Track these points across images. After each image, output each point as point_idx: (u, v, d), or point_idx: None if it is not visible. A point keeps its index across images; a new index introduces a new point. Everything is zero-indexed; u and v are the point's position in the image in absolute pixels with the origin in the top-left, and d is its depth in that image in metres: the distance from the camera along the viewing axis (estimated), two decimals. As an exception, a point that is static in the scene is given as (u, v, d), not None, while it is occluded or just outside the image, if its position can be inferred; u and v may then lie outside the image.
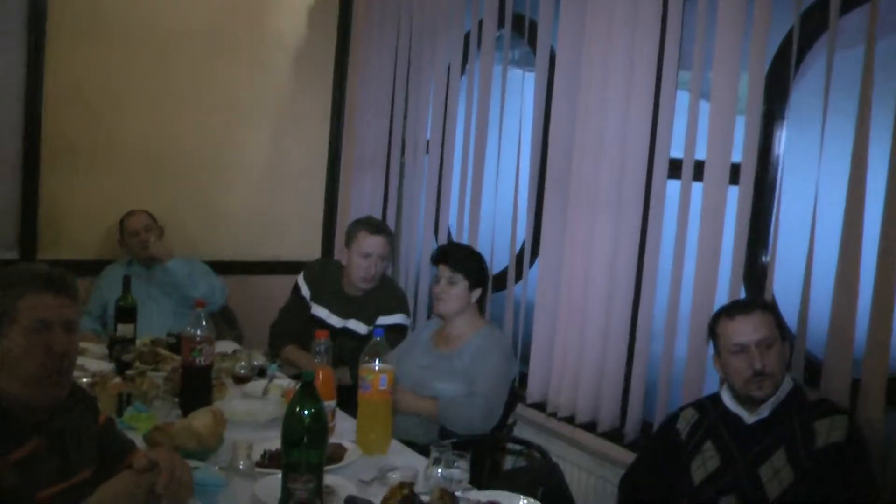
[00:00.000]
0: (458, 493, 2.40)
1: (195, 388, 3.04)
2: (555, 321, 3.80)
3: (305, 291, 4.13)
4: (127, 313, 3.64)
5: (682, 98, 3.34)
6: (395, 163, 4.96)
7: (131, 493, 2.00)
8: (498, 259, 4.25)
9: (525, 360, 3.98)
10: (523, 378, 3.97)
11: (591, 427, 3.65)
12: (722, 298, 3.09)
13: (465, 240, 4.34)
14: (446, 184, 4.57)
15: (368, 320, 3.97)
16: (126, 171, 4.69)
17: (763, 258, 3.19)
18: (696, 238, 3.22)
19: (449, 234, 4.62)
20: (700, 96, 3.23)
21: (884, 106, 2.73)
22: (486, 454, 3.41)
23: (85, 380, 3.22)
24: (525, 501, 2.49)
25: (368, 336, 3.47)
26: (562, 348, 3.75)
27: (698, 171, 3.23)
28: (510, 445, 3.67)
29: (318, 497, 2.18)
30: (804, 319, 2.92)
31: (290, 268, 4.71)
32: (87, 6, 4.52)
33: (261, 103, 5.04)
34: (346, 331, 4.01)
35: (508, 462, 3.73)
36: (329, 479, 2.41)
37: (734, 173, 3.12)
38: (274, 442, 2.55)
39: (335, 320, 4.03)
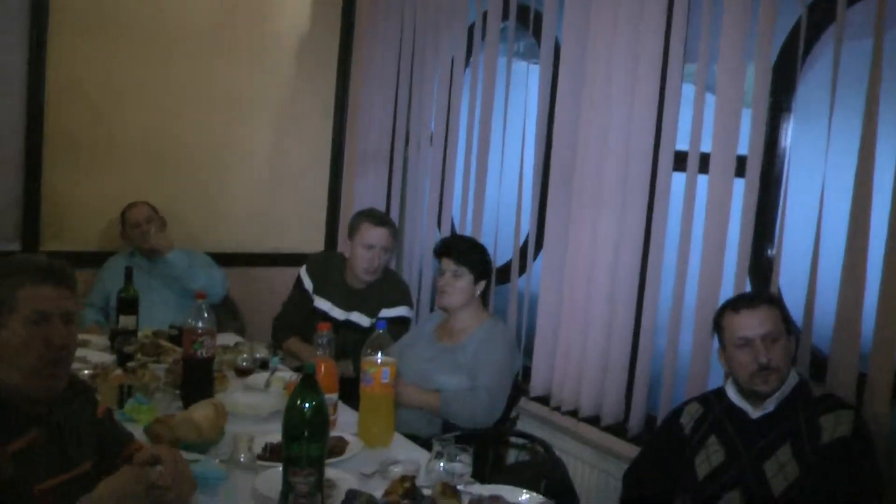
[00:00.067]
0: (460, 487, 2.38)
1: (196, 381, 3.02)
2: (559, 314, 3.78)
3: (308, 284, 4.12)
4: (129, 305, 3.63)
5: (688, 91, 3.32)
6: (399, 156, 4.94)
7: (132, 488, 1.99)
8: (501, 252, 4.23)
9: (528, 353, 3.97)
10: (527, 371, 3.96)
11: (594, 421, 3.64)
12: (727, 292, 3.08)
13: (468, 232, 4.33)
14: (450, 177, 4.55)
15: (371, 313, 3.96)
16: (128, 165, 4.68)
17: (769, 251, 3.17)
18: (702, 231, 3.20)
19: (452, 227, 4.61)
20: (706, 89, 3.21)
21: (892, 98, 2.71)
22: (488, 448, 3.41)
23: (86, 371, 3.22)
24: (528, 496, 2.47)
25: (371, 329, 3.46)
26: (565, 341, 3.74)
27: (704, 163, 3.21)
28: (513, 439, 3.67)
29: (319, 490, 2.16)
30: (810, 313, 2.90)
31: (293, 260, 4.70)
32: (90, 2, 4.50)
33: (264, 97, 5.02)
34: (349, 323, 4.00)
35: (511, 456, 3.73)
36: (330, 473, 2.39)
37: (740, 166, 3.11)
38: (275, 435, 2.52)
39: (338, 313, 4.02)
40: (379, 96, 5.00)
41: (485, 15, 4.31)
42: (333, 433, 2.73)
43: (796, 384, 2.65)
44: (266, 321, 4.25)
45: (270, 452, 2.61)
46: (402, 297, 4.06)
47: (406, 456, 2.71)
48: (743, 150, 3.09)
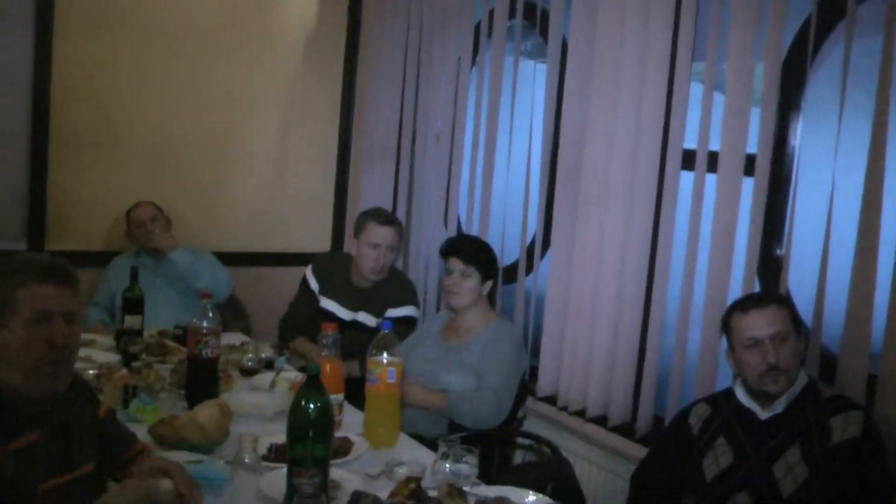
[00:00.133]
0: (466, 489, 2.37)
1: (201, 381, 3.01)
2: (566, 314, 3.77)
3: (314, 285, 4.10)
4: (134, 304, 3.62)
5: (696, 90, 3.30)
6: (406, 154, 4.93)
7: (136, 500, 1.98)
8: (509, 251, 4.22)
9: (535, 353, 3.95)
10: (534, 371, 3.94)
11: (602, 421, 3.62)
12: (735, 292, 3.06)
13: (475, 232, 4.31)
14: (457, 176, 4.54)
15: (378, 313, 3.95)
16: (134, 164, 4.67)
17: (778, 251, 3.15)
18: (710, 230, 3.18)
19: (459, 226, 4.59)
20: (714, 88, 3.19)
21: (903, 96, 2.69)
22: (495, 449, 3.39)
23: (91, 371, 3.21)
24: (534, 497, 2.45)
25: (378, 328, 3.44)
26: (573, 341, 3.72)
27: (712, 162, 3.19)
28: (520, 440, 3.64)
29: (324, 491, 2.15)
30: (819, 313, 2.88)
31: (300, 259, 4.69)
32: (95, 1, 4.49)
33: (270, 94, 5.01)
34: (355, 323, 3.99)
35: (518, 457, 3.71)
36: (335, 474, 2.39)
37: (749, 165, 3.09)
38: (281, 435, 2.49)
39: (344, 313, 4.01)
40: (385, 94, 4.99)
41: (491, 13, 4.29)
42: (339, 433, 2.72)
43: (805, 385, 2.63)
44: (272, 321, 4.24)
45: (275, 453, 2.59)
46: (409, 296, 4.04)
47: (412, 457, 2.69)
48: (752, 148, 3.07)
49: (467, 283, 3.50)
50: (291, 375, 3.37)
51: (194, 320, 2.99)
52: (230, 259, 4.62)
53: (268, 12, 4.95)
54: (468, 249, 3.55)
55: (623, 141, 3.50)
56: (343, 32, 5.18)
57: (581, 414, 3.69)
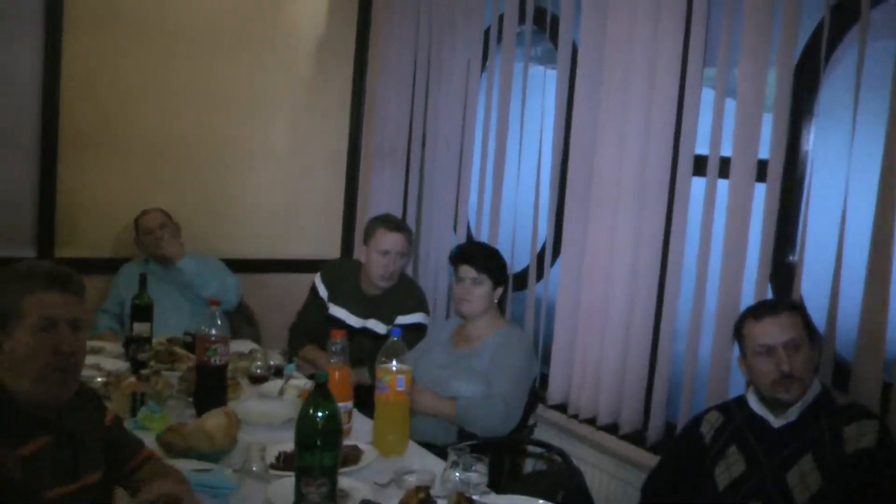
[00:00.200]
0: (475, 497, 2.35)
1: (209, 388, 2.99)
2: (577, 321, 3.75)
3: (323, 292, 4.09)
4: (143, 312, 3.61)
5: (707, 95, 3.28)
6: (416, 159, 4.91)
7: None
8: (519, 257, 4.20)
9: (546, 360, 3.93)
10: (544, 379, 3.93)
11: (613, 429, 3.59)
12: (748, 298, 3.03)
13: (485, 238, 4.30)
14: (467, 181, 4.53)
15: (388, 320, 3.93)
16: (143, 166, 4.67)
17: (791, 257, 3.12)
18: (722, 236, 3.15)
19: (469, 233, 4.58)
20: (726, 93, 3.16)
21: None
22: (505, 457, 3.37)
23: (99, 379, 3.21)
24: (544, 506, 2.43)
25: (388, 335, 3.43)
26: (583, 348, 3.70)
27: (724, 167, 3.17)
28: (530, 448, 3.62)
29: (332, 501, 2.13)
30: (833, 320, 2.85)
31: (309, 266, 4.68)
32: (104, 2, 4.49)
33: (279, 97, 5.00)
34: (365, 331, 3.97)
35: (528, 465, 3.68)
36: (344, 482, 2.37)
37: (761, 170, 3.06)
38: (289, 443, 2.49)
39: (354, 320, 3.99)
40: (395, 98, 4.97)
41: (501, 17, 4.28)
42: (348, 442, 2.71)
43: (819, 393, 2.60)
44: (281, 328, 4.23)
45: (284, 461, 2.58)
46: (418, 303, 4.02)
47: (421, 465, 2.67)
48: (764, 153, 3.05)
49: (479, 291, 3.48)
50: (300, 383, 3.36)
51: (202, 328, 2.98)
52: (239, 266, 4.61)
53: (277, 14, 4.95)
54: (479, 256, 3.53)
55: (634, 146, 3.48)
56: (352, 35, 5.17)
57: (592, 422, 3.67)
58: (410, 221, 4.83)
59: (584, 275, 3.71)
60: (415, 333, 3.82)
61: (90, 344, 3.59)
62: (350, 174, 5.26)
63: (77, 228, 4.53)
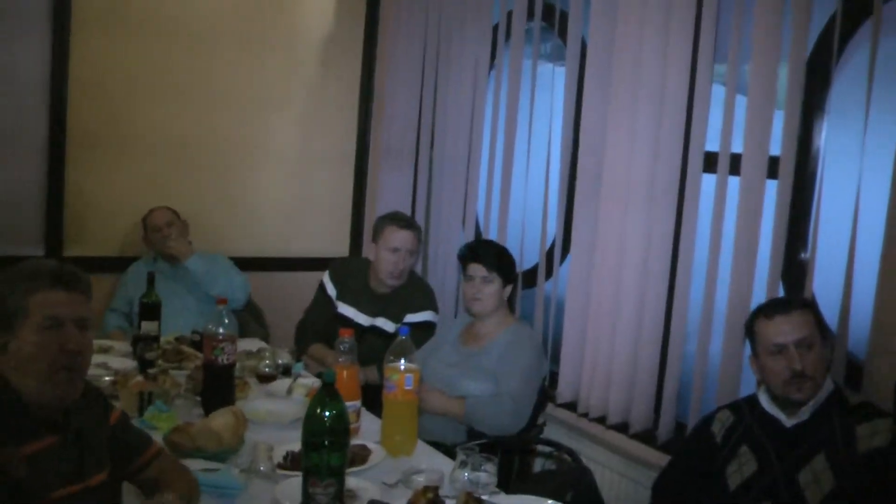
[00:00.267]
0: (484, 497, 2.34)
1: (217, 387, 2.98)
2: (586, 319, 3.73)
3: (331, 290, 4.08)
4: (151, 310, 3.60)
5: (718, 92, 3.25)
6: (424, 157, 4.90)
7: None
8: (528, 255, 4.18)
9: (555, 358, 3.92)
10: (554, 377, 3.91)
11: (623, 428, 3.58)
12: (759, 296, 3.01)
13: (494, 236, 4.28)
14: (475, 179, 4.51)
15: (396, 318, 3.92)
16: (151, 165, 4.66)
17: (802, 255, 3.09)
18: (733, 234, 3.13)
19: (477, 231, 4.56)
20: (737, 90, 3.14)
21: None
22: (514, 456, 3.35)
23: (107, 378, 3.20)
24: (553, 506, 2.42)
25: (397, 334, 3.42)
26: (593, 347, 3.68)
27: (735, 164, 3.15)
28: (539, 448, 3.60)
29: (339, 501, 2.11)
30: (845, 318, 2.83)
31: (317, 264, 4.66)
32: (112, 1, 4.49)
33: (287, 96, 4.99)
34: (374, 329, 3.96)
35: (538, 465, 3.67)
36: (352, 483, 2.35)
37: (772, 167, 3.04)
38: (297, 443, 2.47)
39: (363, 319, 3.98)
40: (403, 96, 4.96)
41: (509, 14, 4.26)
42: (356, 441, 2.70)
43: (831, 392, 2.57)
44: (290, 327, 4.22)
45: (291, 461, 2.57)
46: (428, 301, 4.01)
47: (429, 465, 2.65)
48: (775, 150, 3.02)
49: (489, 289, 3.48)
50: (308, 382, 3.34)
51: (210, 326, 2.97)
52: (247, 264, 4.60)
53: (285, 13, 4.94)
54: (489, 255, 3.52)
55: (644, 143, 3.46)
56: (360, 33, 5.16)
57: (602, 421, 3.65)
58: (419, 219, 4.82)
59: (593, 272, 3.69)
60: (424, 332, 3.81)
61: (98, 343, 3.60)
62: (358, 172, 5.24)
63: (85, 227, 4.53)
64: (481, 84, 4.47)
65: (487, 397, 3.31)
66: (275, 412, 3.05)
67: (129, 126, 4.59)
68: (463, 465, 2.45)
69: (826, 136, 3.04)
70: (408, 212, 4.86)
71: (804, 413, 2.55)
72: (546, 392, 3.66)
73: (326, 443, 2.10)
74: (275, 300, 4.76)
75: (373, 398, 3.06)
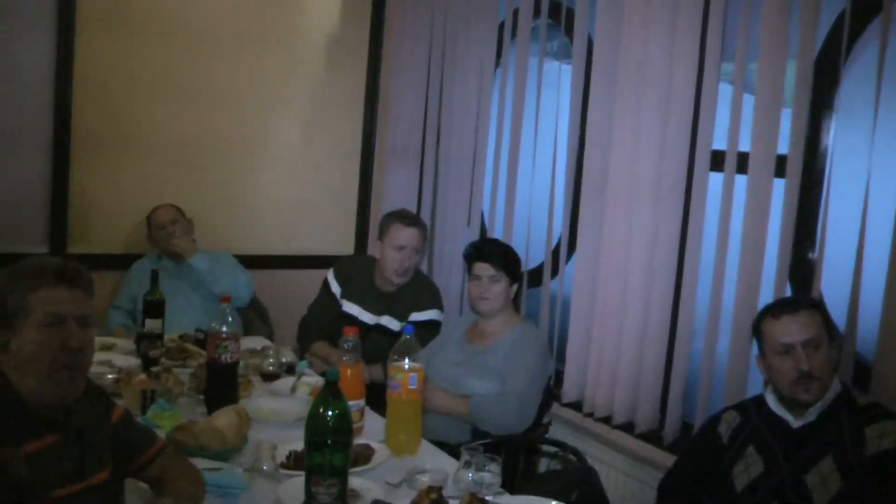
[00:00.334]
0: (489, 498, 2.32)
1: (220, 386, 2.97)
2: (592, 318, 3.71)
3: (336, 289, 4.07)
4: (154, 308, 3.59)
5: (725, 91, 3.23)
6: (430, 155, 4.88)
7: None
8: (533, 254, 4.16)
9: (561, 357, 3.90)
10: (559, 376, 3.89)
11: (628, 428, 3.56)
12: (766, 296, 2.99)
13: (499, 234, 4.26)
14: (481, 177, 4.49)
15: (402, 316, 3.91)
16: (156, 163, 4.66)
17: (810, 254, 3.07)
18: (740, 233, 3.11)
19: (483, 229, 4.54)
20: (744, 89, 3.12)
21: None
22: (519, 456, 3.33)
23: (110, 376, 3.19)
24: (557, 507, 2.40)
25: (402, 333, 3.41)
26: (599, 346, 3.66)
27: (742, 163, 3.13)
28: (544, 447, 3.59)
29: (342, 502, 2.10)
30: (853, 318, 2.81)
31: (323, 262, 4.65)
32: (116, 0, 4.48)
33: (292, 94, 4.98)
34: (379, 327, 3.95)
35: (543, 465, 3.65)
36: (355, 482, 2.34)
37: (780, 165, 3.02)
38: (301, 442, 2.45)
39: (368, 317, 3.97)
40: (409, 94, 4.95)
41: (515, 12, 4.24)
42: (360, 440, 2.68)
43: (839, 392, 2.55)
44: (294, 325, 4.20)
45: (294, 460, 2.55)
46: (433, 299, 4.00)
47: (433, 464, 2.63)
48: (783, 149, 3.00)
49: (496, 288, 3.47)
50: (312, 380, 3.33)
51: (213, 324, 2.96)
52: (252, 262, 4.60)
53: (290, 13, 4.93)
54: (496, 254, 3.51)
55: (650, 141, 3.44)
56: (366, 32, 5.15)
57: (607, 420, 3.63)
58: (425, 218, 4.79)
59: (599, 271, 3.67)
60: (429, 330, 3.80)
61: (102, 340, 3.60)
62: (364, 171, 5.23)
63: (89, 225, 4.53)
64: (487, 82, 4.45)
65: (492, 396, 3.30)
66: (278, 411, 3.04)
67: (134, 126, 4.58)
68: (467, 464, 2.43)
69: (834, 135, 3.02)
70: (413, 211, 4.85)
71: (811, 414, 2.53)
72: (551, 391, 3.64)
73: (329, 442, 2.08)
74: (280, 298, 4.76)
75: (377, 397, 3.04)
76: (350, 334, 2.84)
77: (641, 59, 3.47)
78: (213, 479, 2.31)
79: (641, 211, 3.47)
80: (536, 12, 4.13)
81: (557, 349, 3.92)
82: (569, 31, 4.00)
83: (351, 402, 2.32)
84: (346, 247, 5.20)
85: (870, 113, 2.75)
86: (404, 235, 3.88)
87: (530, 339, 3.46)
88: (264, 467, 2.48)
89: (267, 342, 3.98)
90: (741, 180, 3.13)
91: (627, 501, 3.54)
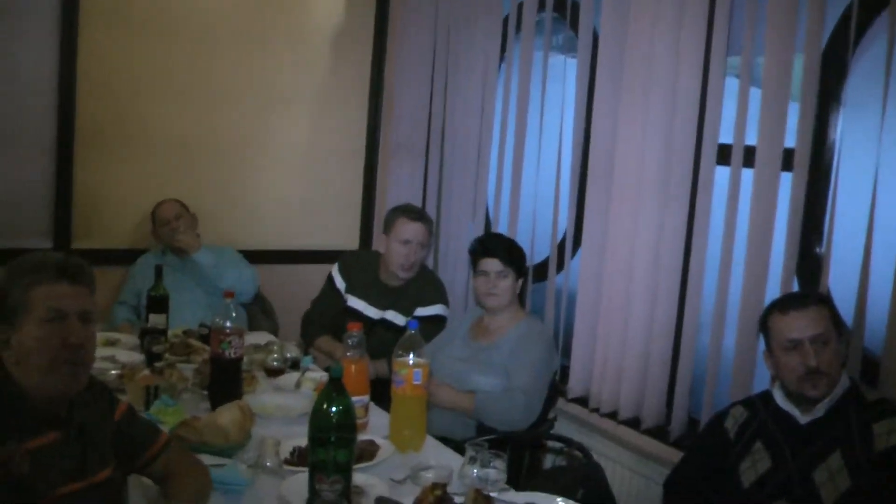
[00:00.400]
0: (494, 495, 2.30)
1: (224, 381, 2.95)
2: (597, 313, 3.70)
3: (340, 283, 4.05)
4: (158, 303, 3.59)
5: (731, 84, 3.21)
6: (435, 149, 4.87)
7: None
8: (539, 249, 4.15)
9: (567, 352, 3.89)
10: (564, 371, 3.89)
11: (634, 423, 3.55)
12: (773, 291, 2.98)
13: (504, 229, 4.25)
14: (486, 172, 4.48)
15: (407, 311, 3.90)
16: (160, 159, 4.65)
17: (818, 249, 3.05)
18: (747, 227, 3.09)
19: (487, 223, 4.52)
20: (751, 83, 3.10)
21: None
22: (524, 452, 3.32)
23: (114, 371, 3.17)
24: (564, 503, 2.37)
25: (407, 328, 3.40)
26: (605, 341, 3.65)
27: (749, 157, 3.11)
28: (550, 443, 3.57)
29: (346, 498, 2.09)
30: (861, 313, 2.79)
31: (327, 257, 4.63)
32: (120, -3, 4.49)
33: (297, 90, 4.97)
34: (384, 322, 3.94)
35: (548, 461, 3.64)
36: (359, 479, 2.32)
37: (787, 159, 3.00)
38: (305, 438, 2.44)
39: (373, 312, 3.95)
40: (414, 89, 4.93)
41: (520, 6, 4.22)
42: (364, 436, 2.66)
43: (847, 388, 2.53)
44: (298, 321, 4.19)
45: (298, 457, 2.53)
46: (438, 295, 3.99)
47: (438, 461, 2.62)
48: (790, 142, 2.98)
49: (504, 284, 3.46)
50: (317, 376, 3.31)
51: (217, 319, 2.94)
52: (256, 257, 4.58)
53: (294, 9, 4.91)
54: (503, 249, 3.50)
55: (656, 135, 3.42)
56: (370, 28, 5.13)
57: (613, 416, 3.62)
58: (430, 213, 4.78)
59: (605, 266, 3.66)
60: (434, 325, 3.79)
61: (106, 336, 3.59)
62: (368, 166, 5.22)
63: (93, 221, 4.52)
64: (491, 77, 4.43)
65: (498, 392, 3.29)
66: (283, 406, 3.03)
67: (137, 123, 4.57)
68: (472, 461, 2.41)
69: (842, 129, 3.00)
70: (418, 204, 4.83)
71: (819, 410, 2.51)
72: (557, 387, 3.63)
73: (333, 439, 2.08)
74: (284, 293, 4.74)
75: (382, 392, 3.03)
76: (354, 330, 2.83)
77: (647, 52, 3.45)
78: (216, 475, 2.30)
79: (647, 205, 3.45)
80: (541, 6, 4.12)
81: (563, 344, 3.91)
82: (574, 24, 3.98)
83: (355, 398, 2.30)
84: (350, 242, 5.18)
85: (877, 106, 2.73)
86: (410, 230, 3.87)
87: (535, 334, 3.45)
88: (268, 463, 2.47)
89: (271, 337, 3.97)
90: (748, 174, 3.11)
91: (633, 498, 3.53)
